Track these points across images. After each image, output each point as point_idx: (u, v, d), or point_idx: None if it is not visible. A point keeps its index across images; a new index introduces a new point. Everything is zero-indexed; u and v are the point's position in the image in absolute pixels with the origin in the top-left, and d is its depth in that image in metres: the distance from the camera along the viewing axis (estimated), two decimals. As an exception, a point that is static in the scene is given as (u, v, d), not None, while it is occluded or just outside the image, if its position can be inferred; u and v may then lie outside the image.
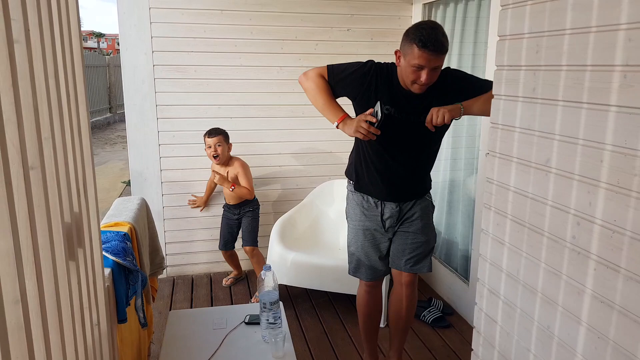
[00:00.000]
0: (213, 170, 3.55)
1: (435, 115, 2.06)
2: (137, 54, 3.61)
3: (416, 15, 3.81)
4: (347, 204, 2.49)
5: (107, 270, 1.65)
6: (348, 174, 2.46)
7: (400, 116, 2.20)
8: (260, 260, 3.63)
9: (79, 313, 1.20)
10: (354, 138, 2.29)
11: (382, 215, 2.34)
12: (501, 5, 1.55)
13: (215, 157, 3.48)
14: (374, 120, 2.04)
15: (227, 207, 3.70)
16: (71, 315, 1.14)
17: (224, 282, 3.84)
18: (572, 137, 1.32)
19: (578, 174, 1.31)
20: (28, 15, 0.86)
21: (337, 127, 2.18)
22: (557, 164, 1.38)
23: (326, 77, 2.26)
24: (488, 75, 2.94)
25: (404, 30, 2.11)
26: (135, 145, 3.75)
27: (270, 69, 3.82)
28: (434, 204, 2.51)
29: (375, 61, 2.26)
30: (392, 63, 2.24)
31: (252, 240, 3.61)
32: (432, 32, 2.00)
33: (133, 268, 1.75)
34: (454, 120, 2.20)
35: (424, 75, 2.04)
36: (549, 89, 1.38)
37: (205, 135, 3.50)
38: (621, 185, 1.17)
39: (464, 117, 2.44)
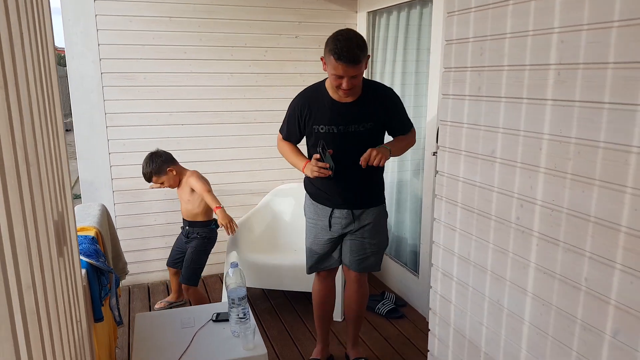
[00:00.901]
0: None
1: (374, 157, 2.22)
2: (84, 63, 3.57)
3: (361, 23, 3.99)
4: (304, 202, 2.64)
5: (83, 271, 1.67)
6: (305, 185, 2.62)
7: (339, 130, 2.35)
8: (198, 299, 3.15)
9: (67, 309, 1.25)
10: (306, 145, 2.54)
11: (330, 220, 2.49)
12: (447, 13, 1.71)
13: (169, 186, 3.20)
14: (327, 169, 2.27)
15: (182, 223, 3.30)
16: (63, 310, 1.19)
17: (156, 305, 3.48)
18: (514, 129, 1.49)
19: (520, 162, 1.48)
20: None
21: (303, 172, 2.40)
22: (502, 154, 1.55)
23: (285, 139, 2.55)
24: (432, 78, 3.14)
25: None
26: (85, 155, 3.70)
27: (221, 75, 3.87)
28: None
29: (298, 93, 2.47)
30: (321, 81, 2.42)
31: (189, 277, 3.08)
32: (346, 44, 2.11)
33: (106, 269, 1.78)
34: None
35: (344, 84, 2.18)
36: (492, 88, 1.55)
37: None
38: (558, 169, 1.35)
39: (409, 111, 2.69)
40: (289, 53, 3.97)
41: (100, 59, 3.61)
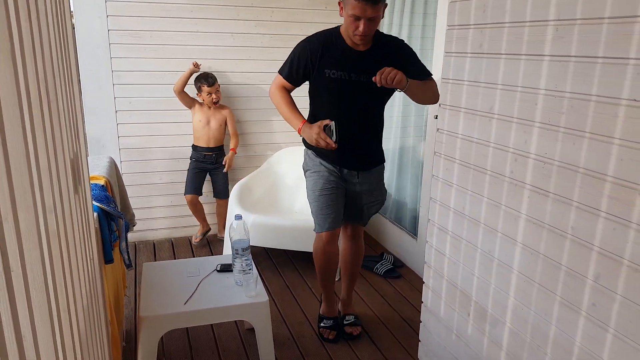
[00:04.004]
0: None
1: (388, 72, 2.08)
2: (91, 18, 3.59)
3: (367, -13, 3.97)
4: (304, 160, 2.57)
5: (95, 215, 1.75)
6: (306, 143, 2.53)
7: (350, 78, 2.28)
8: (226, 214, 3.82)
9: (82, 244, 1.32)
10: (309, 105, 2.47)
11: (340, 172, 2.46)
12: (452, -29, 1.75)
13: (215, 103, 3.69)
14: (333, 146, 2.21)
15: (201, 155, 3.77)
16: (79, 243, 1.26)
17: (192, 239, 3.91)
18: (512, 85, 1.54)
19: (517, 117, 1.54)
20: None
21: (299, 133, 2.36)
22: (499, 110, 1.61)
23: (284, 84, 2.43)
24: (438, 42, 3.16)
25: None
26: (92, 112, 3.75)
27: (226, 35, 3.88)
28: (386, 167, 2.66)
29: (309, 36, 2.37)
30: (335, 27, 2.34)
31: (227, 191, 3.87)
32: None
33: (116, 213, 1.86)
34: (395, 90, 2.33)
35: (361, 26, 2.12)
36: (493, 44, 1.60)
37: (201, 84, 3.63)
38: (551, 123, 1.40)
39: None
40: (295, 14, 3.97)
41: (107, 16, 3.62)
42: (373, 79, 2.10)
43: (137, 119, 3.83)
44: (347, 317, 2.78)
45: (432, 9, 3.36)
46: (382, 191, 2.60)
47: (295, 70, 2.38)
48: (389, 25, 3.90)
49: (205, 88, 3.64)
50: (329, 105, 2.38)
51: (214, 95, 3.67)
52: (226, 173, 3.88)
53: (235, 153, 3.84)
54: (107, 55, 3.69)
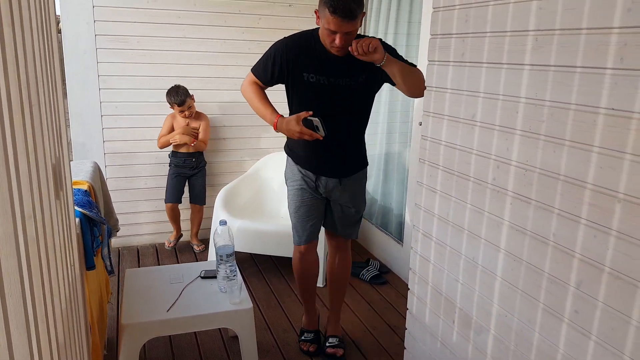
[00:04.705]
0: (179, 132, 3.69)
1: (364, 40, 2.02)
2: (78, 23, 3.58)
3: (354, -6, 4.00)
4: (285, 168, 2.53)
5: (76, 220, 1.73)
6: (286, 149, 2.48)
7: (329, 82, 2.21)
8: (202, 217, 3.94)
9: (63, 250, 1.31)
10: (289, 110, 2.36)
11: (316, 184, 2.40)
12: (436, -20, 1.77)
13: (190, 116, 3.68)
14: (320, 136, 2.11)
15: (181, 160, 3.76)
16: (59, 249, 1.25)
17: (166, 244, 3.92)
18: (494, 93, 1.56)
19: (498, 125, 1.55)
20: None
21: (273, 127, 2.23)
22: (481, 118, 1.62)
23: (256, 81, 2.34)
24: (422, 50, 3.19)
25: None
26: (78, 116, 3.72)
27: (214, 41, 3.89)
28: (372, 173, 2.63)
29: (286, 37, 2.29)
30: (314, 29, 2.26)
31: (203, 197, 3.90)
32: None
33: (99, 219, 1.85)
34: (378, 88, 2.30)
35: (337, 40, 2.06)
36: (475, 53, 1.61)
37: (171, 103, 3.60)
38: (532, 130, 1.42)
39: (399, 94, 2.63)
40: (282, 21, 3.98)
41: (94, 21, 3.61)
42: (349, 49, 2.03)
43: (122, 123, 3.81)
44: (330, 340, 2.64)
45: (416, 18, 3.39)
46: (362, 200, 2.51)
47: (270, 69, 2.28)
48: (374, 34, 3.92)
49: (176, 107, 3.63)
50: (310, 109, 2.23)
51: (186, 112, 3.65)
52: (205, 179, 3.90)
53: (193, 142, 3.72)
54: (94, 60, 3.67)
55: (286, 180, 2.51)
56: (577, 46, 1.25)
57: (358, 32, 2.18)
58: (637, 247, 1.16)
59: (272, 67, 2.27)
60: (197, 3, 3.78)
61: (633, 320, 1.18)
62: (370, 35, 2.56)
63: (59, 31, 3.51)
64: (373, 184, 4.05)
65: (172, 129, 3.74)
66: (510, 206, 1.53)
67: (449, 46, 1.74)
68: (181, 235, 4.00)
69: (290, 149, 2.45)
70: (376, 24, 3.89)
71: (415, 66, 2.24)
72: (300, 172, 2.40)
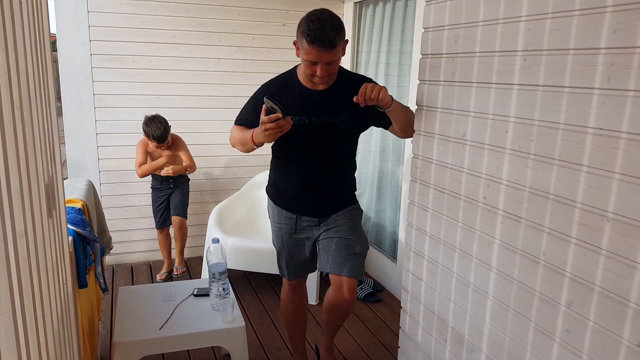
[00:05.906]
0: (166, 168, 3.60)
1: (371, 89, 1.85)
2: (74, 43, 3.60)
3: (348, 14, 4.05)
4: (267, 205, 2.40)
5: (69, 239, 1.73)
6: (268, 192, 2.39)
7: (310, 121, 2.09)
8: (186, 234, 3.79)
9: (55, 268, 1.31)
10: (272, 156, 2.30)
11: (296, 225, 2.25)
12: (425, 1, 1.80)
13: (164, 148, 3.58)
14: (280, 117, 1.86)
15: (158, 182, 3.69)
16: (51, 267, 1.25)
17: (158, 277, 3.74)
18: (483, 113, 1.58)
19: (488, 144, 1.57)
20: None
21: (254, 145, 2.07)
22: (471, 137, 1.64)
23: (241, 127, 2.20)
24: (414, 69, 3.22)
25: None
26: (73, 135, 3.73)
27: (208, 60, 3.92)
28: (365, 191, 2.51)
29: (267, 82, 2.20)
30: (291, 69, 2.18)
31: (184, 212, 3.76)
32: (320, 26, 1.85)
33: (92, 237, 1.84)
34: (364, 129, 2.19)
35: (318, 71, 1.93)
36: (465, 73, 1.64)
37: (148, 139, 3.46)
38: (522, 150, 1.44)
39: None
40: (276, 41, 4.03)
41: (90, 41, 3.64)
42: (354, 98, 1.86)
43: (117, 141, 3.83)
44: None
45: (408, 37, 3.43)
46: (359, 233, 2.24)
47: (251, 112, 2.15)
48: (367, 53, 3.97)
49: (155, 142, 3.50)
50: (293, 150, 2.19)
51: (163, 147, 3.57)
52: (186, 193, 3.79)
53: (187, 170, 3.71)
54: (89, 79, 3.70)
55: (269, 216, 2.40)
56: (565, 66, 1.27)
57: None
58: (626, 267, 1.17)
59: (254, 110, 2.13)
60: (191, 23, 3.82)
61: (624, 339, 1.18)
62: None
63: (55, 50, 3.53)
64: (367, 202, 4.06)
65: (146, 155, 3.60)
66: (501, 225, 1.54)
67: (439, 66, 1.76)
68: (172, 270, 3.87)
69: (270, 187, 2.35)
70: (369, 43, 3.94)
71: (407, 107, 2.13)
72: (282, 214, 2.27)
